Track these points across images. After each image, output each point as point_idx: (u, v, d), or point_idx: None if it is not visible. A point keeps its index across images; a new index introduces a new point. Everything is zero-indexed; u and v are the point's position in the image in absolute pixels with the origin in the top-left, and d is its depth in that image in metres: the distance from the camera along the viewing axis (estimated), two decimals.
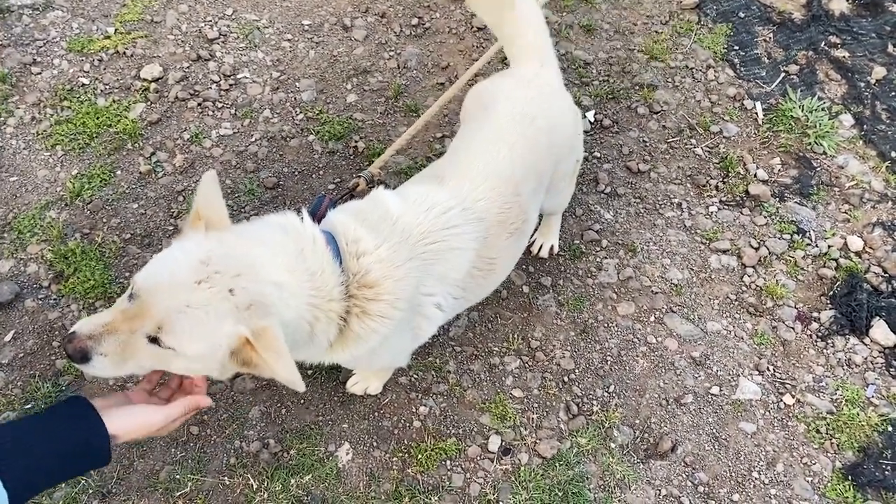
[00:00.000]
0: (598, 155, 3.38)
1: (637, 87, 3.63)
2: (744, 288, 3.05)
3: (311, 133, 3.33)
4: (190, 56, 3.51)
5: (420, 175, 2.26)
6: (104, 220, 3.00)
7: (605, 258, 3.08)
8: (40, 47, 3.48)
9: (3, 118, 3.23)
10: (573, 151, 2.50)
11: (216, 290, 1.45)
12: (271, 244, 1.62)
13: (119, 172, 3.13)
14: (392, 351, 2.07)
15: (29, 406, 2.56)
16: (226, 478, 2.49)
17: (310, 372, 2.69)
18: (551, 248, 3.04)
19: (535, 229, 2.86)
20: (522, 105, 2.19)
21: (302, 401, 2.65)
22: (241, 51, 3.57)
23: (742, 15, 3.93)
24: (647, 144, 3.45)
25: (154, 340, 1.47)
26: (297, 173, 3.21)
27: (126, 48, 3.51)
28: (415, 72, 3.59)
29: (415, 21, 3.77)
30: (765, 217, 3.23)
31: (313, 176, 3.20)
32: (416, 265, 1.87)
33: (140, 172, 3.14)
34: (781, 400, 2.78)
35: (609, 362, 2.82)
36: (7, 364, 2.65)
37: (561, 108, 2.34)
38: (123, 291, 2.74)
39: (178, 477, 2.47)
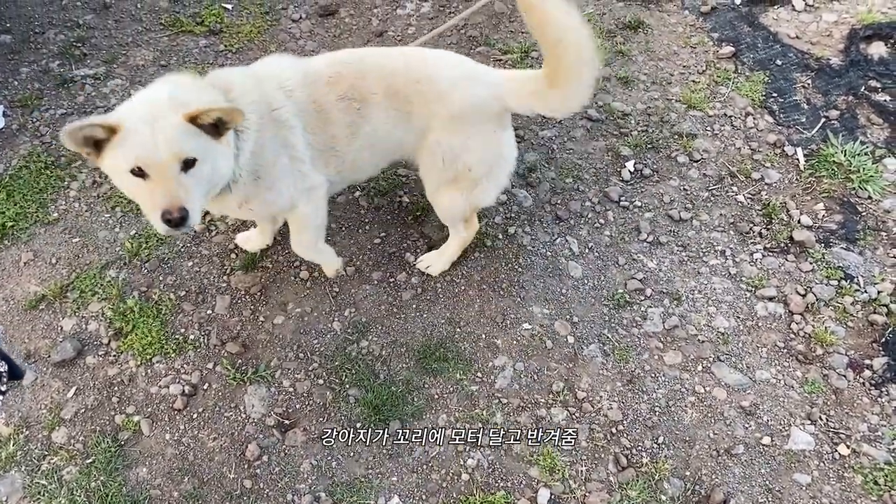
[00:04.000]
0: (640, 204, 3.42)
1: (676, 136, 3.67)
2: (792, 335, 3.02)
3: (357, 189, 3.43)
4: None
5: None
6: (160, 279, 3.12)
7: (650, 307, 3.09)
8: (101, 114, 3.67)
9: (66, 182, 3.40)
10: (463, 135, 2.64)
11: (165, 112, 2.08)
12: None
13: None
14: (272, 158, 2.47)
15: (90, 461, 2.64)
16: None
17: (358, 426, 2.74)
18: (430, 269, 3.18)
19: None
20: (438, 52, 2.73)
21: (352, 454, 2.69)
22: None
23: (779, 62, 3.96)
24: (689, 193, 3.47)
25: (186, 166, 2.06)
26: (343, 229, 3.30)
27: None
28: None
29: None
30: (811, 263, 3.21)
31: (360, 231, 3.29)
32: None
33: (195, 231, 3.26)
34: (836, 450, 2.73)
35: (657, 413, 2.81)
36: (69, 419, 2.75)
37: (476, 85, 2.60)
38: (180, 347, 2.86)
39: None
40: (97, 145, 2.06)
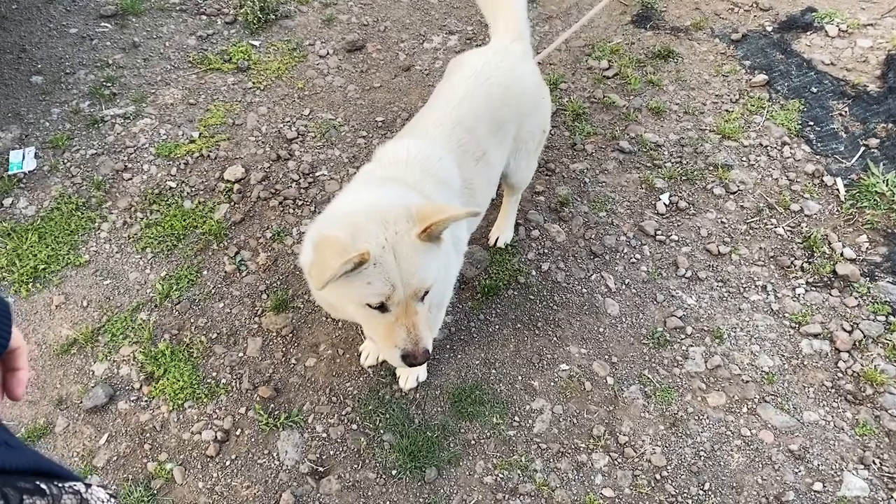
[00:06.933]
0: (676, 238, 3.34)
1: (711, 168, 3.60)
2: (839, 374, 2.92)
3: None
4: (270, 156, 3.65)
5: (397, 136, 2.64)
6: (191, 321, 3.09)
7: (691, 346, 3.00)
8: (131, 154, 3.67)
9: (97, 223, 3.40)
10: (537, 112, 2.75)
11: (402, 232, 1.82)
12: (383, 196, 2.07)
13: (205, 272, 3.24)
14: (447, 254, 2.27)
15: None
16: None
17: (394, 472, 2.67)
18: (503, 240, 3.32)
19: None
20: (481, 67, 2.56)
21: (388, 503, 2.62)
22: (319, 149, 3.70)
23: (814, 90, 3.89)
24: (726, 226, 3.39)
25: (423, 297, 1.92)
26: None
27: (210, 151, 3.68)
28: None
29: None
30: (856, 298, 3.11)
31: None
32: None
33: (225, 272, 3.23)
34: (892, 496, 2.61)
35: (702, 457, 2.71)
36: (101, 468, 2.70)
37: (521, 71, 2.64)
38: (212, 391, 2.80)
39: None
40: None
